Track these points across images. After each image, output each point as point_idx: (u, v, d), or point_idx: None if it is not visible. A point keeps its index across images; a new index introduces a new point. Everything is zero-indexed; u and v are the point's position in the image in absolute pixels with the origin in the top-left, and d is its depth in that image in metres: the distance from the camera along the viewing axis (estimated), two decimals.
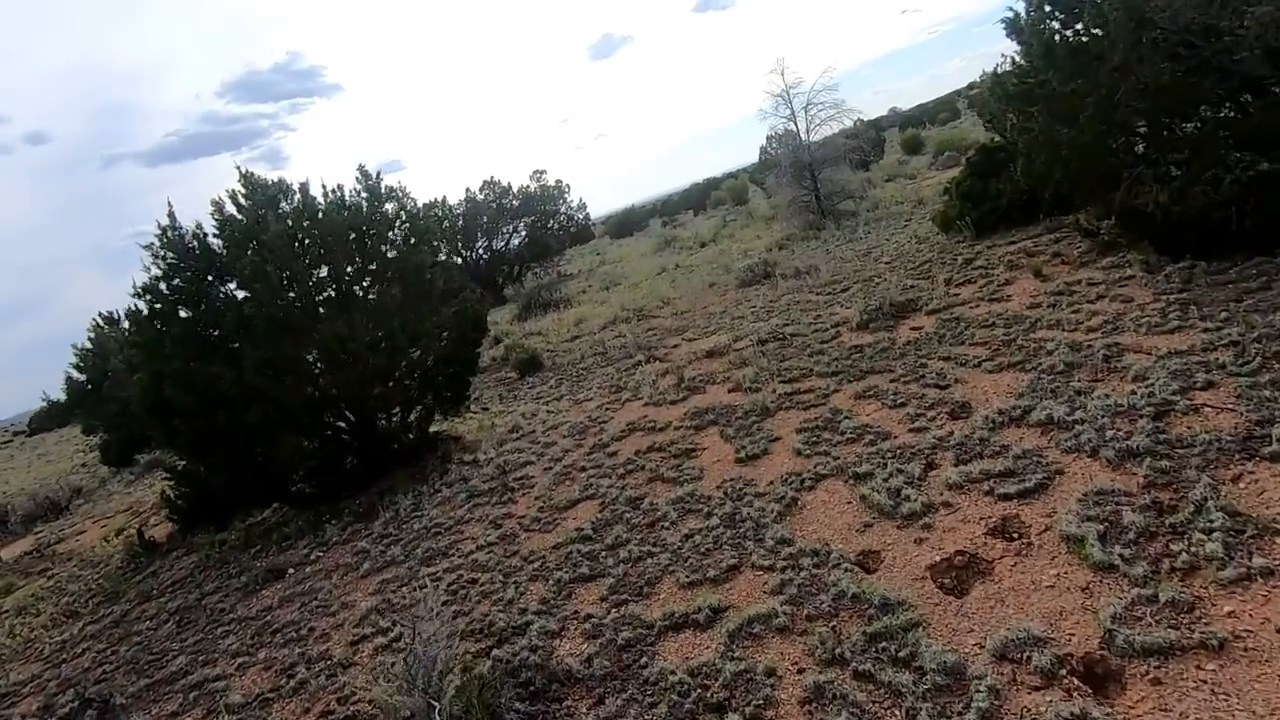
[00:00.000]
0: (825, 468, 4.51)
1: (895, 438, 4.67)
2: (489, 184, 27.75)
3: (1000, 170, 9.75)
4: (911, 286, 8.29)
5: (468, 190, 27.44)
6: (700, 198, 51.32)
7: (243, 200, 6.57)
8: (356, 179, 7.09)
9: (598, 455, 6.11)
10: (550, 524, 5.10)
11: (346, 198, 7.13)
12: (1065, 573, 2.92)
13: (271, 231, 6.06)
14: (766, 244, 16.25)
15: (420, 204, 7.39)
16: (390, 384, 6.55)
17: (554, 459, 6.36)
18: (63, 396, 14.19)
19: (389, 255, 6.87)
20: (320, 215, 6.37)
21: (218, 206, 6.55)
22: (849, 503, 4.05)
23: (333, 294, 6.26)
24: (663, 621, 3.45)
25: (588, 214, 29.80)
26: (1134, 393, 4.13)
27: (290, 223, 6.23)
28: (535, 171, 28.30)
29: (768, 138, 21.78)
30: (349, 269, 6.45)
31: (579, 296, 17.23)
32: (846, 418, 5.20)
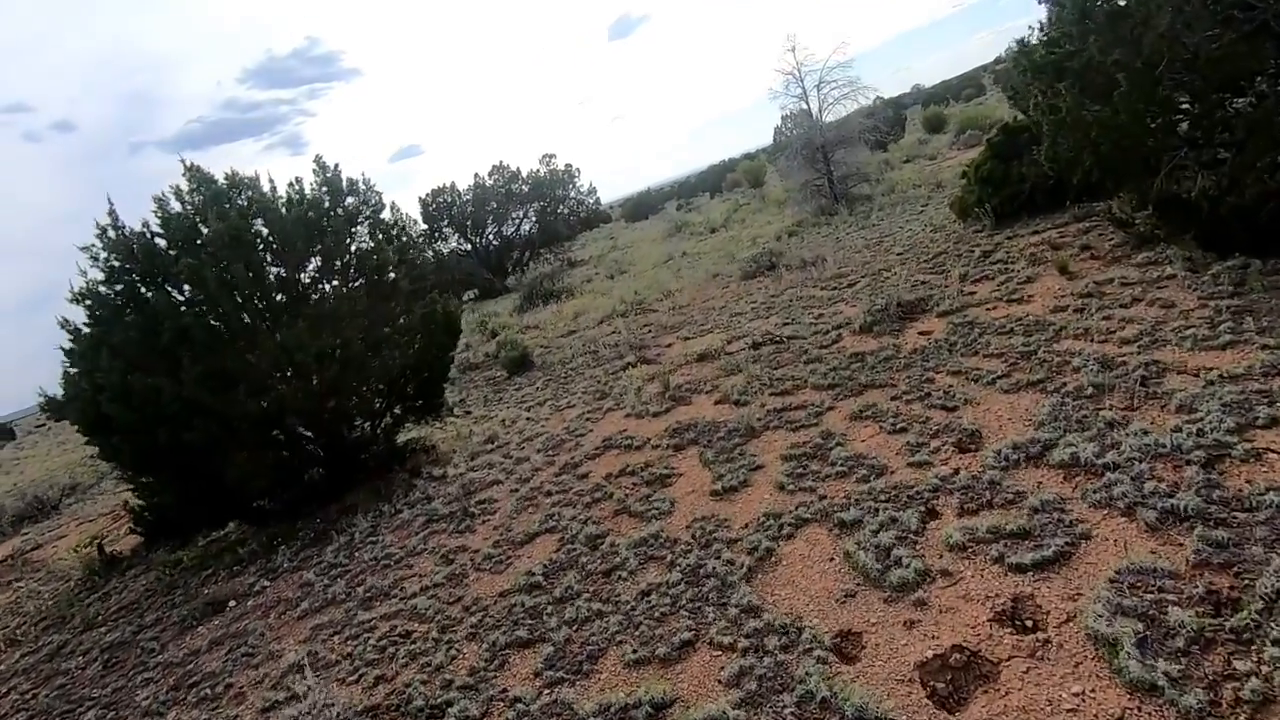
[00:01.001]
0: (808, 509, 3.84)
1: (891, 473, 3.98)
2: (498, 169, 27.10)
3: (1023, 152, 8.87)
4: (922, 283, 7.51)
5: (476, 175, 26.83)
6: (717, 180, 50.23)
7: (187, 196, 6.00)
8: (314, 172, 6.48)
9: (567, 477, 5.49)
10: (503, 562, 4.50)
11: (308, 192, 6.53)
12: (1092, 691, 2.24)
13: (212, 231, 5.49)
14: (777, 230, 15.43)
15: (382, 196, 6.78)
16: (348, 395, 5.99)
17: (522, 479, 5.76)
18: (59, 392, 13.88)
19: (348, 255, 6.26)
20: (270, 213, 5.77)
21: (161, 203, 5.99)
22: (831, 559, 3.39)
23: (281, 299, 5.68)
24: (595, 717, 2.83)
25: (598, 198, 29.04)
26: (1179, 429, 3.40)
27: (236, 221, 5.64)
28: (545, 155, 27.57)
29: (782, 118, 20.80)
30: (300, 272, 5.87)
31: (583, 286, 16.57)
32: (838, 444, 4.51)
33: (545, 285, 16.01)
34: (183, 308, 5.44)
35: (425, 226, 26.50)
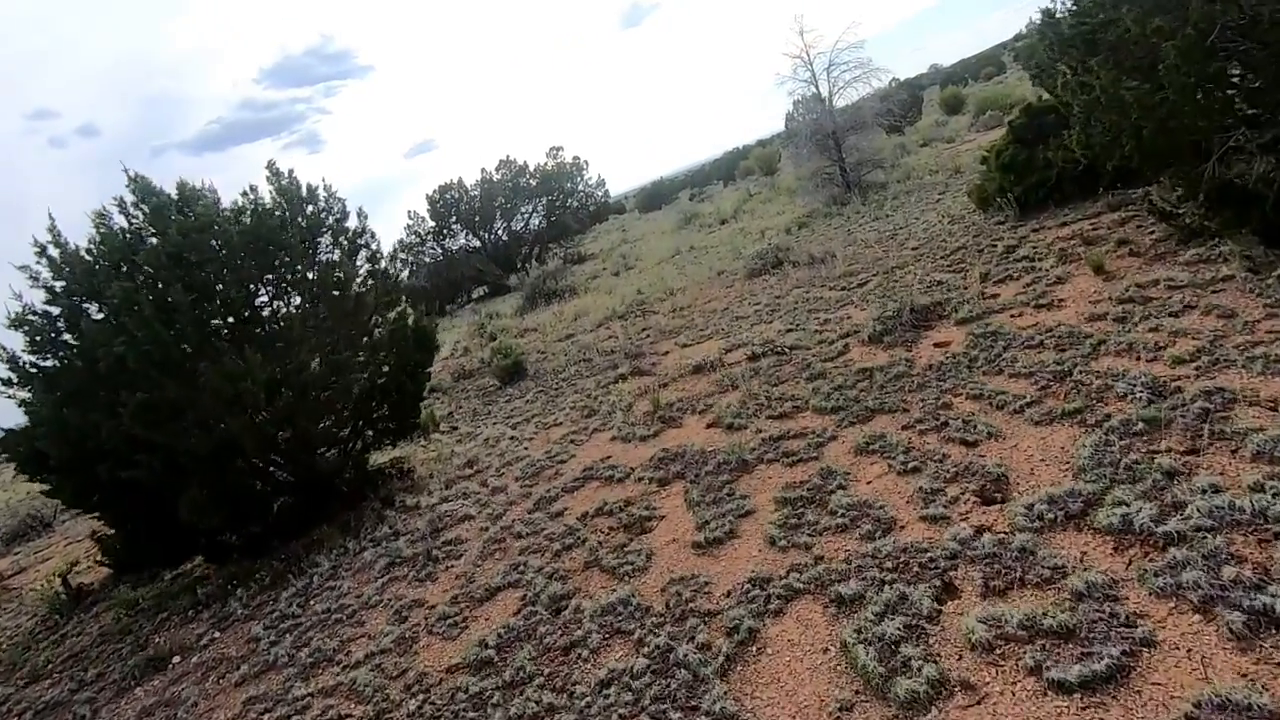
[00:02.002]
0: (801, 575, 3.20)
1: (901, 528, 3.32)
2: (505, 163, 26.48)
3: (1049, 135, 8.04)
4: (939, 283, 6.78)
5: (483, 171, 26.24)
6: (730, 168, 49.21)
7: (131, 210, 5.47)
8: (268, 179, 5.91)
9: (541, 515, 4.90)
10: (458, 625, 3.92)
11: (268, 202, 5.97)
12: None
13: (148, 250, 4.95)
14: (786, 222, 14.66)
15: (345, 203, 6.19)
16: (308, 423, 5.44)
17: (494, 515, 5.18)
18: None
19: (306, 272, 5.70)
20: (215, 227, 5.21)
21: (102, 218, 5.46)
22: (825, 651, 2.75)
23: (227, 323, 5.13)
24: None
25: (607, 190, 28.32)
26: (1260, 488, 2.70)
27: (178, 237, 5.09)
28: (552, 148, 26.87)
29: (794, 103, 19.87)
30: (251, 292, 5.30)
31: (587, 284, 15.93)
32: (840, 486, 3.86)
33: (548, 284, 15.40)
34: (119, 334, 4.90)
35: (433, 224, 26.01)
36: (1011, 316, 5.38)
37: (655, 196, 49.50)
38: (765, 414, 5.21)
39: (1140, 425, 3.39)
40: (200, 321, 5.03)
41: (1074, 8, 5.35)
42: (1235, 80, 4.86)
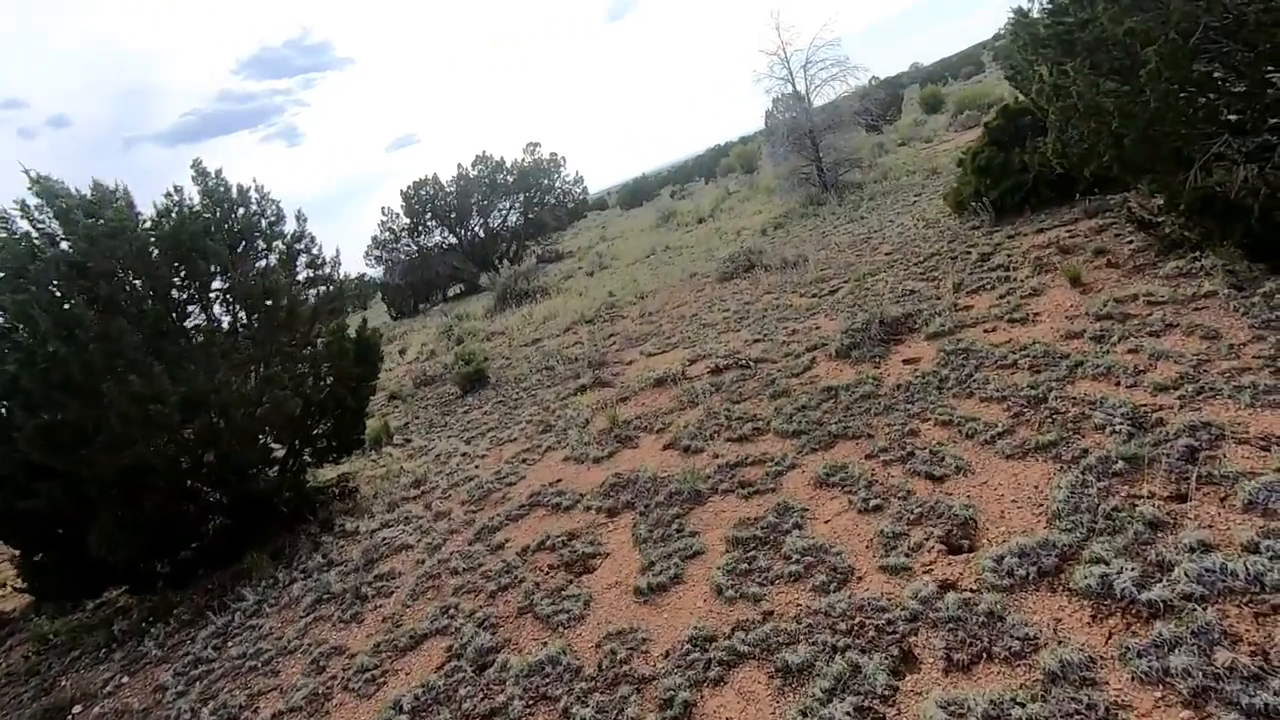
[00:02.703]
0: (747, 636, 2.85)
1: (859, 580, 2.98)
2: (481, 158, 25.91)
3: (1026, 138, 7.76)
4: (911, 292, 6.46)
5: (460, 166, 25.66)
6: (712, 165, 48.90)
7: (36, 214, 4.99)
8: (193, 179, 5.44)
9: (481, 547, 4.51)
10: (375, 680, 3.53)
11: (192, 203, 5.50)
12: None
13: (45, 260, 4.48)
14: (763, 222, 14.33)
15: (279, 204, 5.74)
16: (233, 444, 5.00)
17: (433, 545, 4.78)
18: None
19: (233, 279, 5.24)
20: (128, 233, 4.75)
21: (3, 222, 4.97)
22: None
23: (140, 338, 4.67)
24: None
25: (585, 188, 27.84)
26: (1254, 546, 2.38)
27: (83, 244, 4.63)
28: (529, 144, 26.35)
29: (774, 101, 19.49)
30: (160, 305, 4.83)
31: (560, 284, 15.51)
32: (796, 525, 3.51)
33: (520, 285, 14.96)
34: (15, 351, 4.44)
35: (408, 220, 25.41)
36: (985, 331, 5.07)
37: (637, 193, 49.06)
38: (725, 435, 4.85)
39: (1120, 464, 3.07)
40: (107, 337, 4.57)
41: (1049, 6, 5.02)
42: (1223, 84, 4.57)
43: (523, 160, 26.12)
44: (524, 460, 5.81)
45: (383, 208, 25.14)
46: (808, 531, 3.44)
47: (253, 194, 5.69)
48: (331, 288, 6.17)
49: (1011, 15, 5.41)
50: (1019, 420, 3.75)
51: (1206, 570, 2.33)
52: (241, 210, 5.54)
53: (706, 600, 3.21)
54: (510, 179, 25.98)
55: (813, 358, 5.72)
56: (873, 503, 3.47)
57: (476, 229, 25.99)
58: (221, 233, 5.38)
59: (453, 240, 25.84)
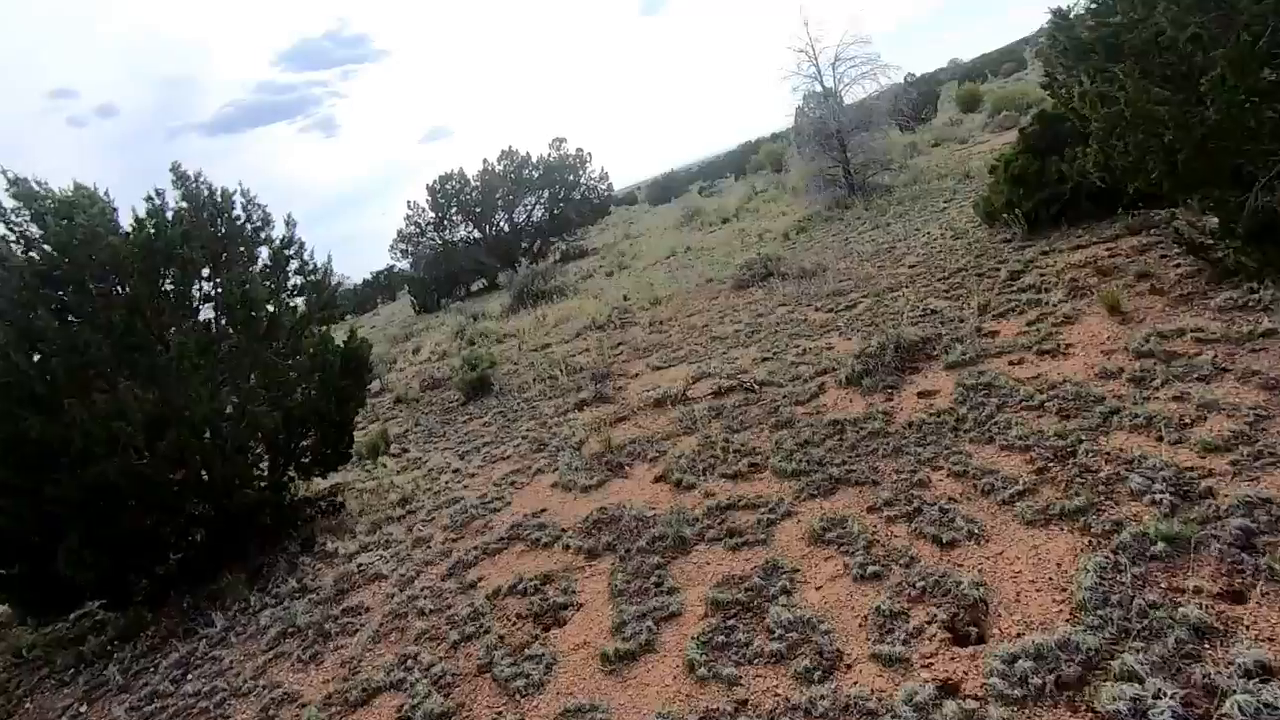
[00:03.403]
0: None
1: (847, 669, 2.58)
2: (507, 154, 25.66)
3: (1065, 145, 7.18)
4: (933, 313, 5.97)
5: (485, 161, 25.45)
6: (742, 161, 48.17)
7: (13, 218, 4.78)
8: (173, 182, 5.20)
9: (452, 585, 4.19)
10: None
11: (171, 207, 5.26)
12: None
13: (9, 269, 4.27)
14: (786, 225, 13.82)
15: (266, 208, 5.47)
16: (206, 461, 4.76)
17: (406, 578, 4.48)
18: None
19: (212, 288, 5.00)
20: (97, 239, 4.52)
21: None
22: None
23: (109, 351, 4.44)
24: None
25: (610, 185, 27.45)
26: None
27: (52, 253, 4.41)
28: (555, 139, 26.03)
29: (804, 98, 18.82)
30: (132, 316, 4.58)
31: (578, 284, 15.18)
32: (785, 589, 3.11)
33: (537, 284, 14.66)
34: None
35: (433, 215, 25.32)
36: (1010, 364, 4.58)
37: (666, 188, 48.55)
38: (720, 470, 4.46)
39: (1160, 545, 2.61)
40: (75, 350, 4.34)
41: (1092, 6, 4.49)
42: None
43: (548, 156, 25.82)
44: (512, 483, 5.48)
45: (408, 201, 25.07)
46: (796, 599, 3.04)
47: (237, 198, 5.44)
48: (321, 295, 5.90)
49: (1049, 16, 4.87)
50: (1043, 477, 3.29)
51: (1267, 707, 1.89)
52: (226, 215, 5.29)
53: (677, 677, 2.83)
54: (535, 174, 25.71)
55: (821, 383, 5.28)
56: (871, 569, 3.05)
57: (501, 224, 25.80)
58: (201, 239, 5.11)
59: (477, 235, 25.69)
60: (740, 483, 4.25)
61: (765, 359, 6.29)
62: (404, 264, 28.09)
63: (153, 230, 4.77)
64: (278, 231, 5.73)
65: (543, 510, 4.81)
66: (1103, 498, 3.00)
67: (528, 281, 14.75)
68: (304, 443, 5.62)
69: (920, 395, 4.59)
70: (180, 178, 5.18)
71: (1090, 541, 2.78)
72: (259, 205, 5.48)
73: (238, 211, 5.44)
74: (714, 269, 11.56)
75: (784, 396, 5.26)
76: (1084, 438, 3.46)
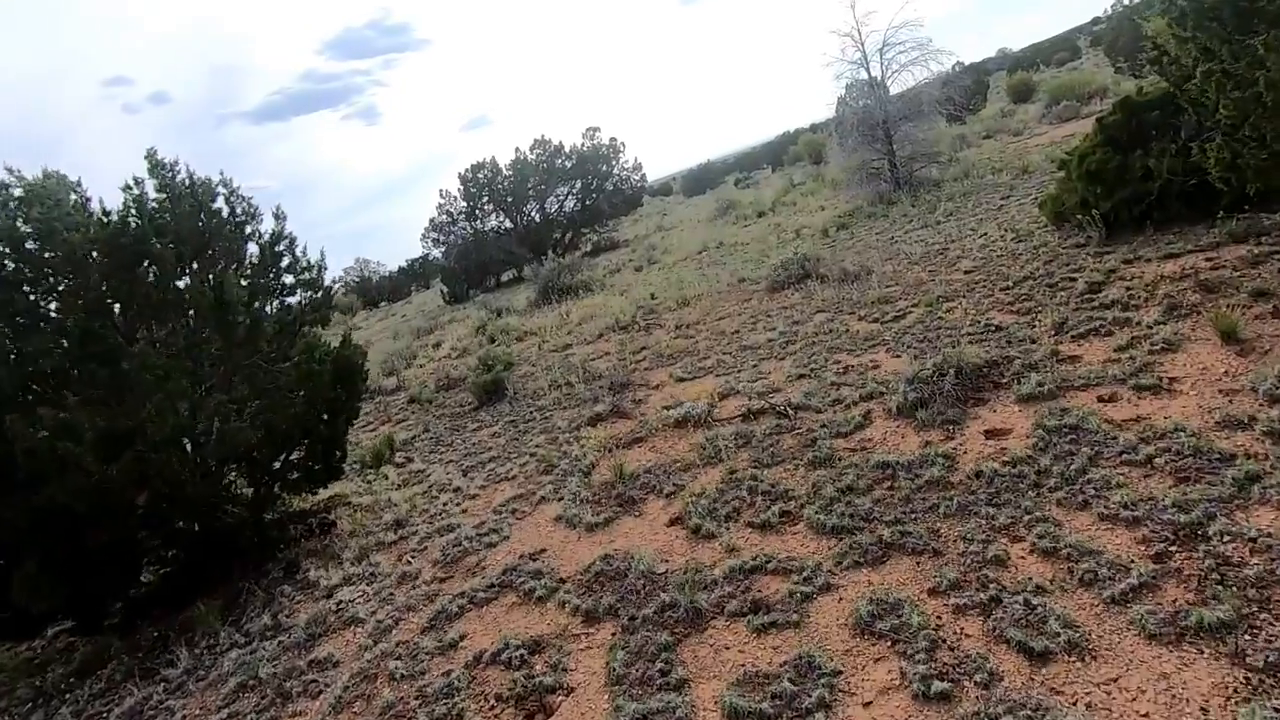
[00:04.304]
0: None
1: None
2: (540, 142, 25.06)
3: (1153, 137, 6.24)
4: (997, 329, 5.15)
5: (517, 150, 24.89)
6: (780, 152, 46.88)
7: None
8: (149, 170, 4.66)
9: (429, 643, 3.58)
10: None
11: (151, 198, 4.73)
12: None
13: None
14: (825, 220, 12.93)
15: (251, 200, 4.91)
16: (174, 481, 4.24)
17: (383, 626, 3.89)
18: None
19: (182, 289, 4.46)
20: (55, 236, 4.01)
21: None
22: None
23: (55, 359, 3.93)
24: None
25: (644, 175, 26.63)
26: None
27: (3, 248, 3.91)
28: (589, 129, 25.30)
29: (847, 86, 17.68)
30: (93, 321, 4.06)
31: (605, 279, 14.50)
32: (823, 703, 2.41)
33: (564, 279, 14.04)
34: None
35: (465, 204, 24.88)
36: (1100, 400, 3.77)
37: (702, 180, 47.58)
38: (746, 516, 3.76)
39: None
40: (25, 358, 3.83)
41: None
42: None
43: (581, 145, 25.14)
44: (513, 510, 4.86)
45: (440, 190, 24.68)
46: (837, 716, 2.34)
47: (220, 189, 4.89)
48: (315, 295, 5.34)
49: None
50: (1165, 567, 2.53)
51: None
52: (206, 208, 4.74)
53: None
54: (568, 164, 25.07)
55: (867, 411, 4.53)
56: (937, 684, 2.33)
57: (533, 214, 25.25)
58: (170, 234, 4.57)
59: (509, 225, 25.19)
60: (769, 535, 3.55)
61: (801, 375, 5.55)
62: (436, 253, 27.81)
63: (113, 225, 4.23)
64: (267, 225, 5.17)
65: (542, 551, 4.18)
66: (1256, 608, 2.24)
67: (554, 276, 14.13)
68: (292, 458, 5.08)
69: (988, 435, 3.81)
70: (156, 166, 4.63)
71: (1247, 679, 2.03)
72: (243, 197, 4.92)
73: (221, 204, 4.88)
74: (747, 267, 10.77)
75: (822, 425, 4.52)
76: (1215, 512, 2.68)
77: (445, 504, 5.40)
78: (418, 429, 7.93)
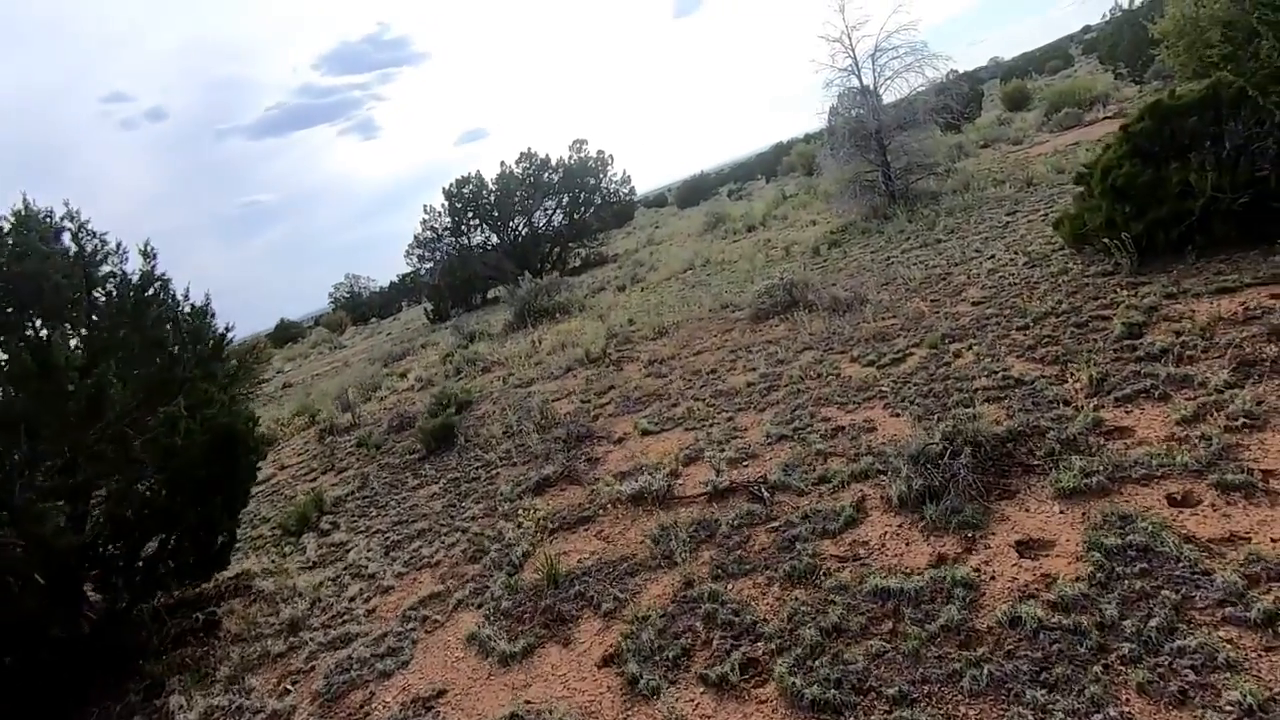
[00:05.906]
0: None
1: None
2: (526, 155, 24.15)
3: (1190, 147, 5.28)
4: (1018, 383, 4.16)
5: (503, 164, 23.98)
6: (774, 163, 46.10)
7: None
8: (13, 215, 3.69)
9: None
10: None
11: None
12: None
13: None
14: (816, 236, 11.99)
15: (103, 237, 3.95)
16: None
17: None
18: None
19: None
20: None
21: None
22: None
23: None
24: None
25: (632, 188, 25.71)
26: None
27: None
28: (575, 141, 24.40)
29: (838, 96, 16.69)
30: None
31: (585, 300, 13.52)
32: None
33: (541, 300, 13.06)
34: None
35: (450, 220, 23.94)
36: (1172, 503, 2.78)
37: (695, 191, 46.69)
38: (698, 663, 2.76)
39: None
40: None
41: None
42: None
43: (569, 158, 24.23)
44: (424, 619, 3.86)
45: (425, 205, 23.75)
46: None
47: (66, 224, 3.92)
48: (199, 349, 4.35)
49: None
50: None
51: None
52: (29, 246, 3.77)
53: None
54: (555, 178, 24.15)
55: (860, 497, 3.54)
56: None
57: (520, 229, 24.30)
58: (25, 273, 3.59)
59: (495, 240, 24.24)
60: (726, 701, 2.54)
61: (782, 436, 4.56)
62: (423, 269, 26.87)
63: None
64: (134, 265, 4.19)
65: (440, 695, 3.17)
66: None
67: (530, 297, 13.16)
68: (166, 547, 4.08)
69: (1021, 549, 2.81)
70: (21, 210, 3.67)
71: None
72: (93, 233, 3.95)
73: (63, 244, 3.90)
74: (732, 290, 9.80)
75: (804, 517, 3.52)
76: None
77: (352, 598, 4.39)
78: (355, 483, 6.92)
